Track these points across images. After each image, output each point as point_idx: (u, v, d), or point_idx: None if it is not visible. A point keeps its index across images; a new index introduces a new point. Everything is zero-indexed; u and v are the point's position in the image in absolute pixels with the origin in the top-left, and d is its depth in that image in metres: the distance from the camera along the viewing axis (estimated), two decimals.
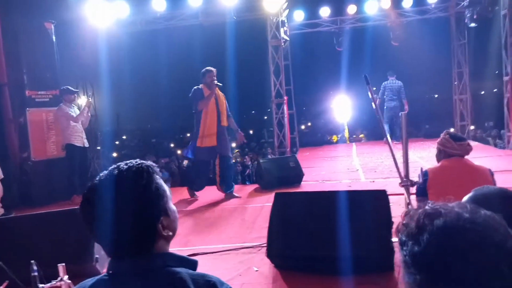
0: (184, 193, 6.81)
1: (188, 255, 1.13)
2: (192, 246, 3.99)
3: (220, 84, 5.83)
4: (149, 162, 1.10)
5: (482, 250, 0.73)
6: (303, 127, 18.32)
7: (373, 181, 6.45)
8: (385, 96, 10.14)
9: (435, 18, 10.81)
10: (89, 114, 6.94)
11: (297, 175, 6.45)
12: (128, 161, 1.08)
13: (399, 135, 10.21)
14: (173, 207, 1.11)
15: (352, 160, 8.83)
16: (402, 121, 2.36)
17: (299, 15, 10.76)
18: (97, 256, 3.27)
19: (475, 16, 9.03)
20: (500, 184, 3.26)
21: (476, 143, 9.48)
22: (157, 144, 16.76)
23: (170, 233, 1.08)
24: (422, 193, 3.04)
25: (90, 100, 7.06)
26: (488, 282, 0.72)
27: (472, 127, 10.94)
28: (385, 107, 10.20)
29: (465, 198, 1.24)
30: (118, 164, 1.08)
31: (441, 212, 0.80)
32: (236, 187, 7.44)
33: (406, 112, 2.42)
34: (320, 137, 12.86)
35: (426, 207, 0.84)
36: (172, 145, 15.52)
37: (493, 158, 7.39)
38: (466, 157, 3.12)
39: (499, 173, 5.16)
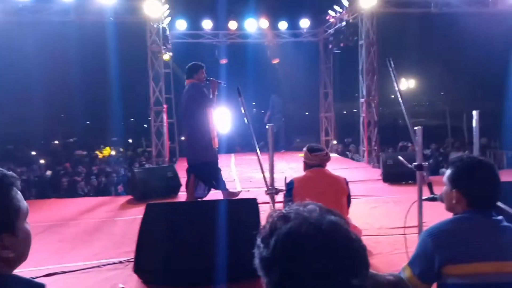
0: (45, 204, 6.12)
1: (43, 275, 0.99)
2: (50, 265, 3.56)
3: (224, 84, 5.46)
4: (9, 172, 0.96)
5: (321, 256, 0.74)
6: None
7: (248, 190, 6.67)
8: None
9: (306, 42, 11.87)
10: None
11: (174, 186, 6.32)
12: None
13: (281, 145, 11.68)
14: (26, 228, 0.95)
15: (230, 170, 9.02)
16: (269, 133, 2.49)
17: (182, 25, 10.72)
18: None
19: (340, 44, 10.23)
20: (353, 192, 3.69)
21: (338, 156, 10.63)
22: (15, 151, 14.70)
23: (11, 255, 0.92)
24: (289, 200, 3.27)
25: None
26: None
27: (334, 142, 12.24)
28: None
29: None
30: None
31: (291, 216, 0.80)
32: (107, 198, 6.98)
33: (272, 124, 2.58)
34: None
35: (283, 210, 0.86)
36: (33, 153, 13.78)
37: (350, 169, 8.34)
38: (327, 168, 3.46)
39: (354, 182, 5.87)
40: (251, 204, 3.25)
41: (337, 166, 7.74)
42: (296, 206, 0.84)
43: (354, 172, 7.82)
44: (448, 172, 1.76)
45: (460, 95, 20.88)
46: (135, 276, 3.16)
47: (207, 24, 10.81)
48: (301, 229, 0.77)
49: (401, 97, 2.85)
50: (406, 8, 9.42)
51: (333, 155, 9.23)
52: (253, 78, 13.58)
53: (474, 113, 2.81)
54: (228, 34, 11.13)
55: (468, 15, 9.92)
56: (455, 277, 1.61)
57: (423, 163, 2.53)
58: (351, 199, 3.55)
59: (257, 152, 2.50)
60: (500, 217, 1.71)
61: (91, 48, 14.23)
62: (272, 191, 2.35)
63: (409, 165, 2.59)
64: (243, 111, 2.65)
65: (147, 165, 10.08)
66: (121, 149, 14.32)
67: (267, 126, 2.56)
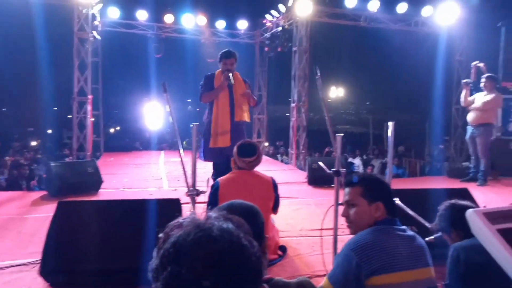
0: None
1: None
2: None
3: (232, 82, 4.64)
4: None
5: (205, 264, 0.71)
6: (111, 130, 17.30)
7: (176, 190, 6.52)
8: None
9: (243, 43, 11.93)
10: None
11: (94, 182, 5.97)
12: None
13: None
14: None
15: (158, 168, 8.78)
16: (193, 133, 2.43)
17: (114, 12, 10.19)
18: None
19: (275, 48, 10.41)
20: (282, 193, 3.75)
21: (268, 158, 10.83)
22: None
23: None
24: (213, 203, 3.21)
25: None
26: None
27: (266, 144, 12.46)
28: None
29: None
30: None
31: (183, 224, 0.78)
32: (17, 193, 6.41)
33: (197, 124, 2.53)
34: (128, 142, 12.36)
35: (180, 218, 0.82)
36: None
37: (279, 171, 8.54)
38: (255, 168, 3.45)
39: (280, 184, 5.99)
40: (174, 205, 3.16)
41: (266, 167, 7.87)
42: (193, 214, 0.82)
43: (282, 174, 8.01)
44: (360, 189, 1.86)
45: (383, 106, 22.42)
46: (40, 279, 2.92)
47: (141, 15, 10.40)
48: (189, 237, 0.74)
49: (325, 104, 2.96)
50: (338, 20, 9.87)
51: (264, 156, 9.40)
52: (188, 75, 13.36)
53: (390, 123, 3.00)
54: (164, 27, 10.82)
55: (394, 32, 10.66)
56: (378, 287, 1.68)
57: (340, 169, 2.65)
58: (279, 201, 3.57)
59: (179, 152, 2.43)
60: (404, 227, 1.84)
61: (13, 29, 13.02)
62: (193, 193, 2.29)
63: (328, 170, 2.69)
64: (168, 109, 2.57)
65: (68, 159, 9.45)
66: (38, 141, 13.26)
67: (191, 125, 2.51)
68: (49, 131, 16.55)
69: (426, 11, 9.75)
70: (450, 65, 10.36)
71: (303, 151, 9.34)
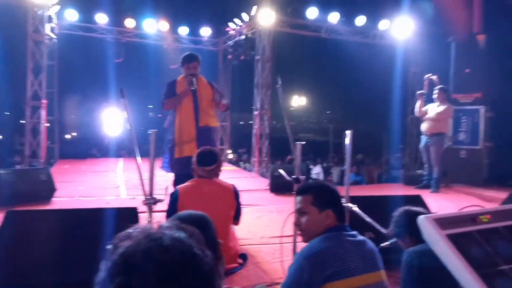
0: None
1: None
2: None
3: (195, 87, 4.24)
4: None
5: (154, 273, 0.69)
6: (68, 136, 16.63)
7: (134, 198, 6.33)
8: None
9: (206, 50, 11.89)
10: None
11: (47, 190, 5.70)
12: None
13: None
14: None
15: (116, 176, 8.51)
16: (151, 139, 2.38)
17: (72, 15, 9.84)
18: None
19: (238, 56, 10.46)
20: (244, 200, 3.72)
21: (231, 165, 10.79)
22: None
23: None
24: (173, 212, 3.14)
25: None
26: None
27: (229, 151, 12.42)
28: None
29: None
30: None
31: (133, 234, 0.75)
32: None
33: (156, 130, 2.47)
34: (85, 149, 11.92)
35: (130, 228, 0.79)
36: None
37: (241, 178, 8.53)
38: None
39: (243, 191, 5.96)
40: (130, 214, 3.06)
41: (228, 175, 7.84)
42: (144, 224, 0.79)
43: (244, 182, 8.00)
44: (311, 197, 1.87)
45: (343, 115, 23.04)
46: None
47: (101, 18, 10.11)
48: (138, 247, 0.71)
49: (286, 112, 2.99)
50: (300, 30, 10.08)
51: (227, 166, 9.36)
52: (150, 81, 13.12)
53: (348, 132, 3.07)
54: (124, 32, 10.57)
55: (353, 43, 11.02)
56: None
57: (300, 177, 2.67)
58: (241, 209, 3.53)
59: (136, 159, 2.37)
60: (354, 232, 1.88)
61: None
62: (150, 201, 2.23)
63: (288, 178, 2.71)
64: (126, 114, 2.49)
65: (18, 167, 8.97)
66: None
67: (149, 131, 2.45)
68: (0, 137, 15.66)
69: (383, 24, 10.17)
70: (406, 77, 10.82)
71: (266, 159, 9.39)
